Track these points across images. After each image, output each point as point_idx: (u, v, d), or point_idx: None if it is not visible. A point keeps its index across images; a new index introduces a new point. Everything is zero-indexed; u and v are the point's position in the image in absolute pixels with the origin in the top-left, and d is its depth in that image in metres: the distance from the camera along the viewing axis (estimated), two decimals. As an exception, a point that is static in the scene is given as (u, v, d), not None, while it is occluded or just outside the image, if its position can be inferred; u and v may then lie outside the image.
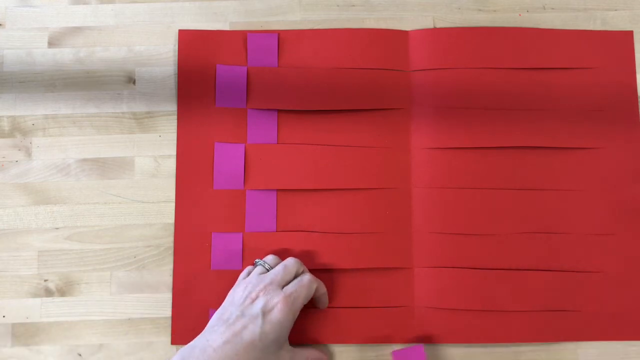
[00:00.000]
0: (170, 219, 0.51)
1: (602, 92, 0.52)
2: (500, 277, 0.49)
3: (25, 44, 0.53)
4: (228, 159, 0.51)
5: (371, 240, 0.50)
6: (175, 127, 0.52)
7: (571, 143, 0.51)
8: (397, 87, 0.52)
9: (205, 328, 0.43)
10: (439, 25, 0.54)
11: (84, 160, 0.52)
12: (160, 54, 0.53)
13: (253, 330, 0.41)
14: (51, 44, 0.53)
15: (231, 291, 0.46)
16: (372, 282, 0.50)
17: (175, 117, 0.52)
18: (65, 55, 0.53)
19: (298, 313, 0.44)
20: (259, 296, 0.43)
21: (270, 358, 0.42)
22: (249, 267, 0.48)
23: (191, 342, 0.42)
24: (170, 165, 0.52)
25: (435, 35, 0.53)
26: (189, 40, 0.53)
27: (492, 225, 0.50)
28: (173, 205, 0.51)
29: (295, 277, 0.46)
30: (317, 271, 0.49)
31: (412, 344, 0.49)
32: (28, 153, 0.52)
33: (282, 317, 0.42)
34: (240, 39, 0.53)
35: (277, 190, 0.51)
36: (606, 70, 0.53)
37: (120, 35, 0.54)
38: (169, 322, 0.49)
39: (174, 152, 0.52)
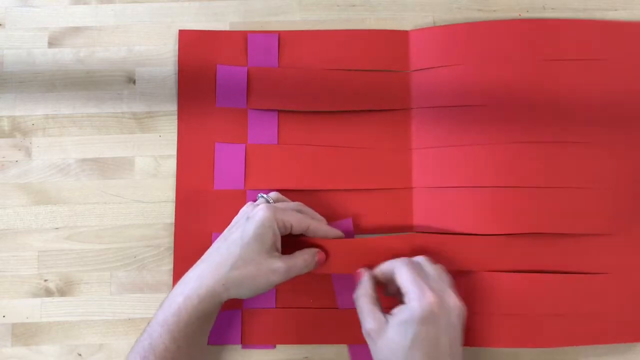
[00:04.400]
0: (170, 219, 0.51)
1: (611, 85, 0.51)
2: (501, 279, 0.49)
3: (25, 44, 0.53)
4: (228, 159, 0.51)
5: (372, 241, 0.50)
6: (176, 127, 0.52)
7: (577, 138, 0.50)
8: (397, 87, 0.52)
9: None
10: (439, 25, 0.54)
11: (84, 160, 0.52)
12: (160, 54, 0.53)
13: (235, 231, 0.44)
14: (51, 44, 0.53)
15: None
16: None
17: (175, 117, 0.52)
18: (65, 55, 0.53)
19: (281, 224, 0.44)
20: (249, 212, 0.45)
21: (254, 258, 0.42)
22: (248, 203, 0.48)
23: None
24: (170, 165, 0.52)
25: (436, 32, 0.53)
26: (189, 41, 0.53)
27: (494, 226, 0.50)
28: (173, 205, 0.51)
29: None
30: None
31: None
32: (28, 153, 0.52)
33: (263, 216, 0.43)
34: (241, 39, 0.53)
35: (278, 190, 0.51)
36: (616, 63, 0.51)
37: (120, 35, 0.54)
38: (169, 322, 0.49)
39: (174, 152, 0.52)
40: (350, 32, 0.53)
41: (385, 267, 0.45)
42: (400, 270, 0.43)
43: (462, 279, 0.49)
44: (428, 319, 0.40)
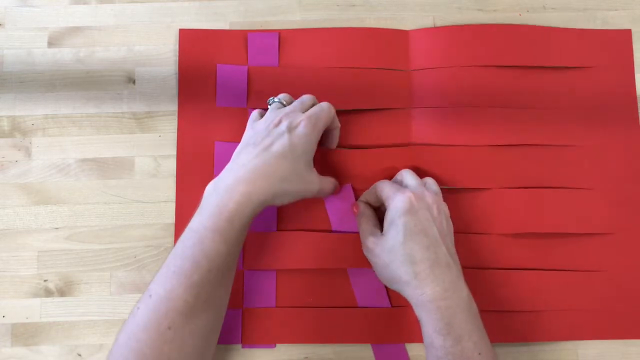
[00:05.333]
0: (170, 219, 0.51)
1: (601, 90, 0.52)
2: (500, 277, 0.49)
3: (25, 44, 0.53)
4: (229, 158, 0.51)
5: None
6: (176, 127, 0.52)
7: (570, 141, 0.52)
8: (397, 86, 0.52)
9: (228, 164, 0.45)
10: (439, 25, 0.54)
11: (84, 160, 0.52)
12: (160, 53, 0.53)
13: (282, 143, 0.43)
14: (51, 44, 0.53)
15: (248, 131, 0.47)
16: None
17: (175, 117, 0.52)
18: (65, 55, 0.53)
19: (320, 135, 0.46)
20: (282, 120, 0.45)
21: (301, 173, 0.44)
22: (256, 111, 0.49)
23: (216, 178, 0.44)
24: (170, 165, 0.52)
25: (435, 33, 0.53)
26: (189, 40, 0.53)
27: (492, 224, 0.50)
28: (173, 205, 0.51)
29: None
30: (319, 271, 0.50)
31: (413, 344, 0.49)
32: (28, 153, 0.52)
33: (308, 131, 0.44)
34: (241, 38, 0.53)
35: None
36: (605, 69, 0.53)
37: (120, 35, 0.54)
38: (169, 322, 0.49)
39: (174, 152, 0.52)
40: (350, 31, 0.53)
41: (369, 190, 0.49)
42: (381, 185, 0.47)
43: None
44: (409, 210, 0.43)
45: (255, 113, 0.49)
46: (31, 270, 0.50)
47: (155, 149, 0.52)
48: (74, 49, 0.53)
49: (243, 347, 0.49)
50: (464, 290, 0.42)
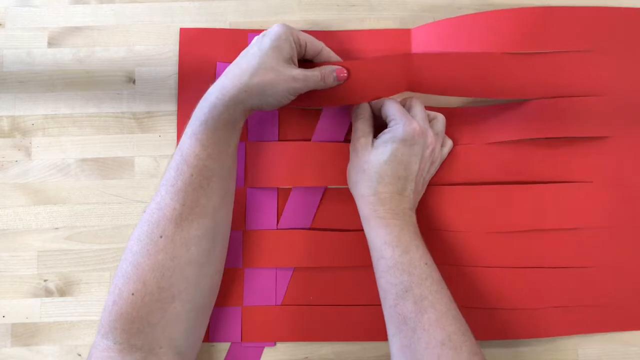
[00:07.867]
0: (171, 218, 0.51)
1: (611, 75, 0.50)
2: (500, 274, 0.49)
3: (25, 44, 0.53)
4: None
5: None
6: (175, 127, 0.52)
7: (580, 132, 0.50)
8: (399, 85, 0.52)
9: None
10: (439, 24, 0.54)
11: (84, 160, 0.52)
12: (160, 53, 0.53)
13: (253, 46, 0.46)
14: (51, 44, 0.53)
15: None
16: (373, 280, 0.50)
17: (175, 117, 0.52)
18: (65, 55, 0.53)
19: (296, 39, 0.46)
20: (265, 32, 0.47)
21: (273, 66, 0.44)
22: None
23: None
24: (171, 165, 0.52)
25: (437, 27, 0.52)
26: (190, 39, 0.53)
27: (492, 223, 0.50)
28: (173, 205, 0.51)
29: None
30: (319, 269, 0.50)
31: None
32: (28, 153, 0.52)
33: (279, 30, 0.45)
34: (241, 37, 0.53)
35: (278, 188, 0.51)
36: (616, 51, 0.50)
37: (120, 35, 0.54)
38: (169, 322, 0.49)
39: (173, 152, 0.52)
40: (351, 33, 0.53)
41: (376, 102, 0.49)
42: (390, 104, 0.47)
43: (460, 275, 0.49)
44: (407, 141, 0.45)
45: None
46: (31, 270, 0.50)
47: (155, 149, 0.52)
48: (73, 48, 0.53)
49: (243, 344, 0.49)
50: (412, 217, 0.46)
